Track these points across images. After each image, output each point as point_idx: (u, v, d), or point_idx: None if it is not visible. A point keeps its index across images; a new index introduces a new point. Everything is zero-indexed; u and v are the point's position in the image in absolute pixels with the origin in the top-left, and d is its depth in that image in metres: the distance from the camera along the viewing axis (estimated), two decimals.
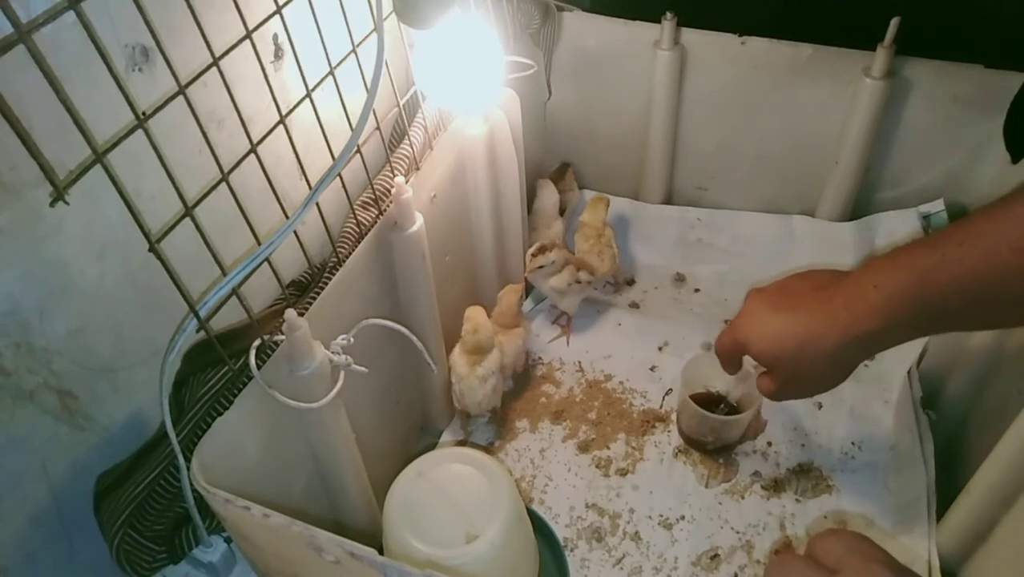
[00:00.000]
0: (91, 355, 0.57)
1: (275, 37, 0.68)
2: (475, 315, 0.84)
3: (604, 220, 1.03)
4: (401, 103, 0.79)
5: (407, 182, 0.72)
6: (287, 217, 0.55)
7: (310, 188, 0.57)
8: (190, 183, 0.51)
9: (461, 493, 0.66)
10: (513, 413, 0.95)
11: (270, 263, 0.58)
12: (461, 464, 0.69)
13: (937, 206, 1.01)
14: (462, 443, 0.92)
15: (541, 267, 0.94)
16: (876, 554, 0.48)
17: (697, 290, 1.11)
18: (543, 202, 1.06)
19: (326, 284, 0.67)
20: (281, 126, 0.58)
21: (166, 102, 0.47)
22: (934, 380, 0.90)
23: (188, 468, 0.53)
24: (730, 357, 0.73)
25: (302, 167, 0.62)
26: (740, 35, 0.95)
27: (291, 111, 0.59)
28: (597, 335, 1.04)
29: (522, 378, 0.99)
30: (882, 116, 0.93)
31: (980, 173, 0.95)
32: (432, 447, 0.92)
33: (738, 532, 0.81)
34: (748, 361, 0.88)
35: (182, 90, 0.47)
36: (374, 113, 0.62)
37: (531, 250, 0.94)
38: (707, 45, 0.97)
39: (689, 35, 0.97)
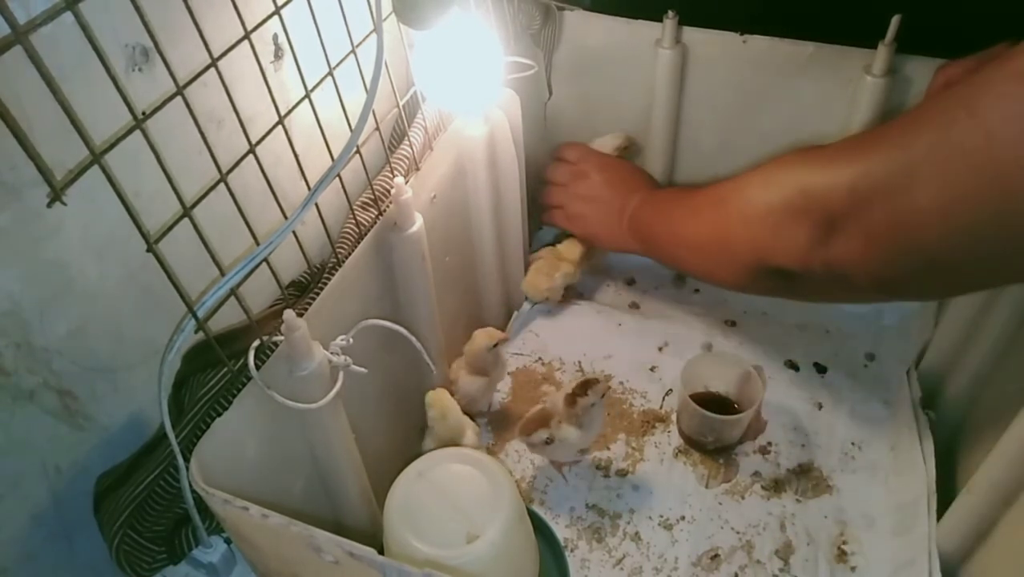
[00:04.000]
0: (91, 355, 0.57)
1: (275, 37, 0.68)
2: (439, 400, 0.80)
3: (577, 258, 1.04)
4: (401, 104, 0.79)
5: (407, 183, 0.72)
6: (286, 218, 0.55)
7: (309, 189, 0.57)
8: (191, 183, 0.51)
9: (461, 493, 0.66)
10: (513, 413, 0.95)
11: (269, 264, 0.58)
12: (461, 464, 0.69)
13: None
14: None
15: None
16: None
17: (697, 290, 1.11)
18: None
19: (325, 285, 0.67)
20: (280, 127, 0.58)
21: (164, 103, 0.47)
22: (934, 380, 0.90)
23: (187, 469, 0.53)
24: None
25: (301, 168, 0.62)
26: (741, 33, 0.95)
27: (290, 111, 0.59)
28: (597, 335, 1.04)
29: (522, 378, 0.99)
30: (883, 114, 0.92)
31: None
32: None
33: (738, 532, 0.81)
34: (748, 361, 0.88)
35: (180, 91, 0.47)
36: (373, 114, 0.62)
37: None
38: (709, 44, 0.97)
39: (691, 34, 0.97)
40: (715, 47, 0.97)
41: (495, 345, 0.86)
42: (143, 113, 0.45)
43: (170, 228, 0.48)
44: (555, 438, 0.80)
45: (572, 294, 1.09)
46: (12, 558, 0.55)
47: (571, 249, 1.05)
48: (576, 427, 0.80)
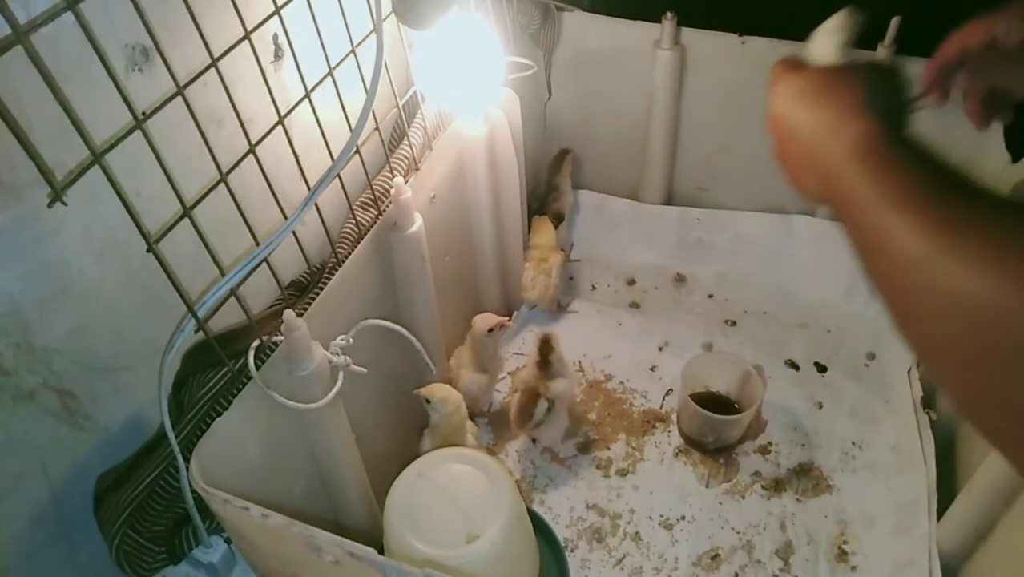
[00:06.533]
0: (91, 355, 0.57)
1: (275, 37, 0.68)
2: (448, 394, 0.79)
3: (553, 240, 1.02)
4: (400, 104, 0.79)
5: (406, 183, 0.72)
6: (286, 217, 0.55)
7: (309, 189, 0.57)
8: (192, 183, 0.51)
9: (461, 493, 0.66)
10: None
11: (268, 264, 0.58)
12: (461, 464, 0.69)
13: None
14: None
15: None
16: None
17: (700, 292, 1.11)
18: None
19: (325, 285, 0.67)
20: (280, 127, 0.58)
21: (164, 103, 0.47)
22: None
23: (187, 469, 0.53)
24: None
25: (301, 168, 0.62)
26: (740, 35, 0.95)
27: (290, 111, 0.59)
28: (597, 335, 1.04)
29: None
30: None
31: (980, 173, 0.94)
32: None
33: (738, 532, 0.81)
34: (748, 361, 0.88)
35: (180, 91, 0.47)
36: (373, 114, 0.62)
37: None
38: (707, 45, 0.97)
39: (689, 35, 0.97)
40: (714, 48, 0.97)
41: (491, 329, 0.87)
42: (143, 113, 0.45)
43: (170, 228, 0.48)
44: (553, 398, 0.82)
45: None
46: (12, 558, 0.55)
47: (544, 235, 1.03)
48: (561, 377, 0.83)
